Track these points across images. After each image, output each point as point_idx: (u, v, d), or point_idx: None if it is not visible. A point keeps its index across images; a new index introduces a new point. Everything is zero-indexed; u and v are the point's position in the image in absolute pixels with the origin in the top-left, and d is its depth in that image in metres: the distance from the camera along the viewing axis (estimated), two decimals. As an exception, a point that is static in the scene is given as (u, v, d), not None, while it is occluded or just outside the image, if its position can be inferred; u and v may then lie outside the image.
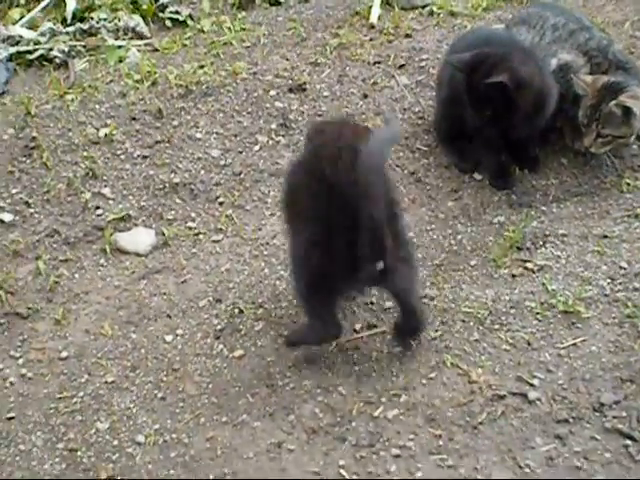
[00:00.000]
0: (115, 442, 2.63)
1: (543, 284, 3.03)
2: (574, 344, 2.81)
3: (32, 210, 3.44)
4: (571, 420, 2.57)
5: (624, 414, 2.58)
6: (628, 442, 2.50)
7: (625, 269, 3.07)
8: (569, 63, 3.53)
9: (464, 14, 4.49)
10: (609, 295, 2.97)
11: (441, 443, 2.53)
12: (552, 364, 2.75)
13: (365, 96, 3.89)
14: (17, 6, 4.66)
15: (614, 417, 2.57)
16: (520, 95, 3.29)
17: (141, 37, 4.50)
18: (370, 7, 4.54)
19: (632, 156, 3.58)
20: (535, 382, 2.69)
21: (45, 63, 4.29)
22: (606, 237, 3.22)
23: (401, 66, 4.09)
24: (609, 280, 3.03)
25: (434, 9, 4.52)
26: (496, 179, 3.50)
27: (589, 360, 2.75)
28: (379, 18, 4.48)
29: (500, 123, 3.37)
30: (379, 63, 4.12)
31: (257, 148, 3.69)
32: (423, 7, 4.57)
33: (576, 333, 2.84)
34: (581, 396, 2.64)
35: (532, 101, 3.34)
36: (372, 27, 4.43)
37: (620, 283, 3.02)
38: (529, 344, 2.82)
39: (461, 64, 3.36)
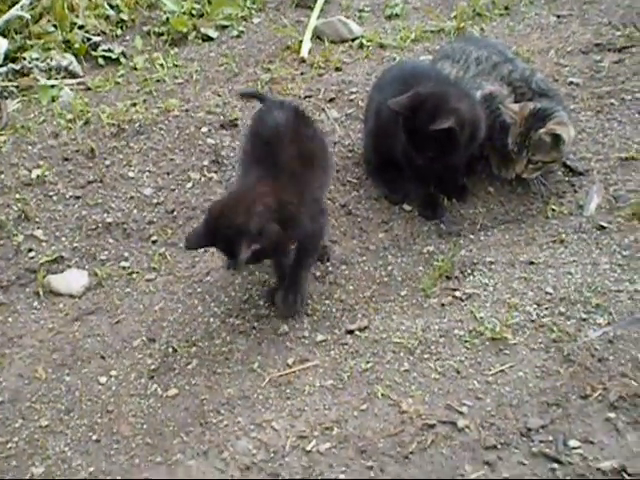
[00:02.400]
0: (50, 487, 2.64)
1: (471, 312, 3.08)
2: (502, 370, 2.86)
3: (-36, 255, 3.43)
4: (499, 446, 2.62)
5: (550, 438, 2.63)
6: (555, 465, 2.55)
7: (551, 294, 3.13)
8: (493, 93, 3.61)
9: (393, 46, 4.57)
10: (535, 320, 3.03)
11: (372, 475, 2.56)
12: (480, 391, 2.79)
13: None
14: (-52, 48, 4.65)
15: (541, 441, 2.62)
16: (462, 134, 3.36)
17: (74, 76, 4.53)
18: (301, 41, 4.60)
19: (557, 182, 3.66)
20: (464, 410, 2.73)
21: (-22, 105, 4.28)
22: (532, 263, 3.29)
23: (331, 100, 4.15)
24: (535, 306, 3.09)
25: (363, 42, 4.61)
26: (425, 209, 3.57)
27: (516, 386, 2.80)
28: (310, 52, 4.55)
29: (438, 160, 3.42)
30: (310, 97, 4.17)
31: (190, 185, 3.72)
32: (353, 40, 4.65)
33: (503, 359, 2.89)
34: (509, 422, 2.68)
35: (469, 135, 3.42)
36: (303, 61, 4.50)
37: (546, 308, 3.08)
38: (458, 372, 2.87)
39: (400, 107, 3.37)
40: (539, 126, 3.45)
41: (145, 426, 2.79)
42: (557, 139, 3.45)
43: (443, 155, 3.40)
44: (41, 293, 3.29)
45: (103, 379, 2.97)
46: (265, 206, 2.91)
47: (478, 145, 3.56)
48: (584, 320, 3.01)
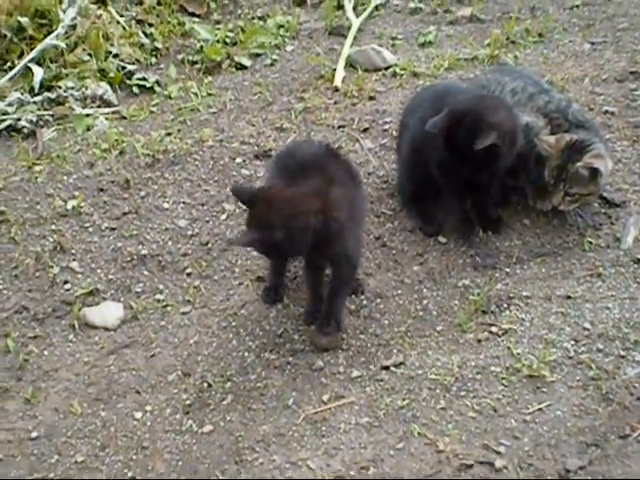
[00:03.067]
0: (86, 525, 2.64)
1: (508, 348, 3.06)
2: (539, 409, 2.83)
3: (0, 286, 3.45)
4: (538, 487, 2.60)
5: (590, 479, 2.60)
6: (595, 507, 2.53)
7: (588, 330, 3.11)
8: (530, 124, 3.59)
9: (427, 74, 4.56)
10: (573, 357, 3.00)
11: (410, 516, 2.55)
12: (518, 430, 2.77)
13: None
14: (-17, 77, 4.70)
15: (580, 483, 2.60)
16: (504, 146, 3.33)
17: (109, 105, 4.55)
18: (334, 70, 4.61)
19: (593, 214, 3.63)
20: (501, 449, 2.71)
21: (13, 133, 4.32)
22: (569, 298, 3.26)
23: (365, 129, 4.15)
24: (573, 342, 3.06)
25: (397, 70, 4.60)
26: (463, 231, 3.57)
27: (554, 425, 2.77)
28: (343, 81, 4.55)
29: (484, 172, 3.41)
30: (343, 127, 4.17)
31: (224, 217, 3.72)
32: (386, 68, 4.65)
33: (541, 397, 2.87)
34: (547, 462, 2.66)
35: (509, 142, 3.37)
36: (336, 90, 4.49)
37: (584, 344, 3.05)
38: (495, 410, 2.84)
39: (437, 128, 3.32)
40: (576, 159, 3.43)
41: (180, 463, 2.78)
42: (595, 172, 3.42)
43: (488, 168, 3.38)
44: (77, 326, 3.30)
45: (138, 414, 2.97)
46: (310, 204, 2.92)
47: (514, 175, 3.54)
48: (622, 357, 2.99)
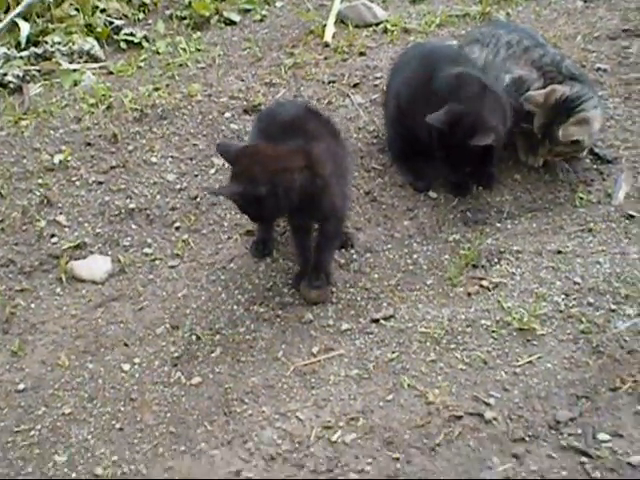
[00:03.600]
0: (74, 475, 2.62)
1: (498, 302, 3.05)
2: (529, 362, 2.82)
3: (-13, 240, 3.42)
4: (527, 439, 2.58)
5: (579, 431, 2.59)
6: (584, 459, 2.51)
7: (579, 284, 3.10)
8: (523, 77, 3.56)
9: (418, 31, 4.52)
10: (563, 311, 2.99)
11: (399, 466, 2.53)
12: (508, 382, 2.76)
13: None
14: (-30, 32, 4.64)
15: (570, 434, 2.58)
16: (498, 146, 3.38)
17: (96, 60, 4.50)
18: (324, 26, 4.56)
19: (584, 170, 3.62)
20: (491, 401, 2.70)
21: (0, 89, 4.26)
22: (560, 252, 3.25)
23: (355, 85, 4.11)
24: (563, 296, 3.05)
25: (388, 26, 4.55)
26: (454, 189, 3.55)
27: (544, 377, 2.76)
28: (333, 36, 4.50)
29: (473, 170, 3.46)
30: (333, 82, 4.13)
31: (213, 171, 3.68)
32: (377, 24, 4.60)
33: (531, 350, 2.86)
34: (537, 414, 2.65)
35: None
36: (326, 46, 4.45)
37: (574, 299, 3.04)
38: (485, 363, 2.83)
39: (439, 123, 3.29)
40: (562, 120, 3.42)
41: (169, 415, 2.77)
42: (576, 141, 3.45)
43: (479, 166, 3.40)
44: (64, 279, 3.27)
45: (126, 366, 2.94)
46: (295, 161, 2.93)
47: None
48: (613, 311, 2.98)
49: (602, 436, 2.57)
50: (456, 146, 3.30)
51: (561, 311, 2.99)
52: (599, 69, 4.13)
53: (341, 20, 4.64)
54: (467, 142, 3.23)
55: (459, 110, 3.30)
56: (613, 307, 2.98)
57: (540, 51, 3.60)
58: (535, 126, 3.49)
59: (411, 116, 3.46)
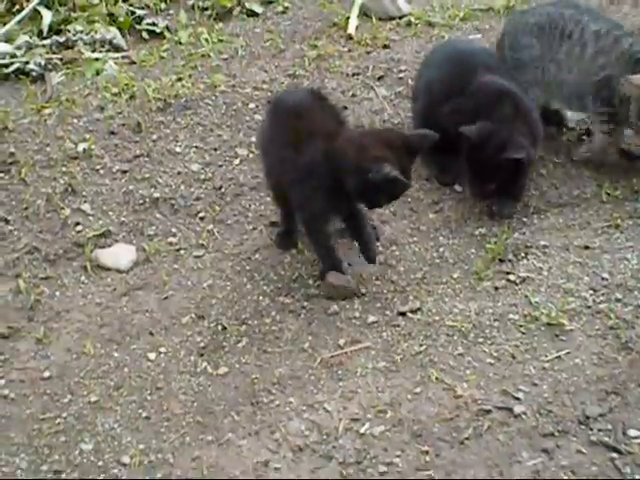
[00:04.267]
0: (100, 463, 2.60)
1: (526, 296, 3.03)
2: (558, 357, 2.81)
3: (11, 227, 3.41)
4: (557, 434, 2.57)
5: (609, 427, 2.57)
6: (614, 455, 2.50)
7: (607, 280, 3.08)
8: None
9: (441, 24, 4.51)
10: (592, 307, 2.97)
11: (428, 459, 2.52)
12: (537, 377, 2.74)
13: (345, 108, 3.88)
14: (-8, 20, 4.63)
15: (599, 430, 2.57)
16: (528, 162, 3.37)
17: (118, 49, 4.50)
18: (347, 18, 4.54)
19: (611, 166, 3.59)
20: (520, 396, 2.68)
21: (22, 77, 4.27)
22: (587, 248, 3.23)
23: (380, 77, 4.09)
24: (591, 291, 3.03)
25: (412, 19, 4.54)
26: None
27: (573, 373, 2.75)
28: (357, 29, 4.49)
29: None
30: (358, 75, 4.12)
31: (237, 162, 3.67)
32: (400, 18, 4.59)
33: (560, 345, 2.84)
34: (566, 409, 2.63)
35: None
36: (350, 38, 4.43)
37: (602, 294, 3.02)
38: (513, 357, 2.82)
39: (473, 136, 3.31)
40: None
41: (195, 404, 2.75)
42: None
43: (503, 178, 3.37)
44: (89, 267, 3.26)
45: (152, 355, 2.93)
46: None
47: None
48: (641, 307, 2.96)
49: (632, 432, 2.55)
50: (485, 161, 3.31)
51: (589, 307, 2.98)
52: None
53: (364, 13, 4.62)
54: (498, 156, 3.26)
55: (491, 128, 3.31)
56: (641, 303, 2.97)
57: (630, 39, 3.47)
58: (633, 108, 3.39)
59: (441, 112, 3.44)
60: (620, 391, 2.68)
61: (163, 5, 4.84)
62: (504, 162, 3.27)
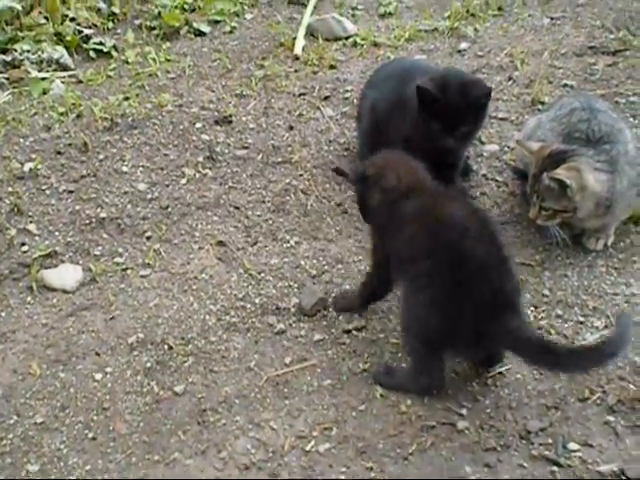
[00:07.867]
0: (46, 484, 2.60)
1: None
2: (500, 373, 2.85)
3: (-44, 248, 3.39)
4: (499, 448, 2.61)
5: (550, 441, 2.63)
6: (555, 468, 2.54)
7: (547, 296, 3.14)
8: None
9: (387, 45, 4.57)
10: (533, 323, 3.02)
11: (373, 475, 2.55)
12: (479, 393, 2.79)
13: (291, 128, 3.93)
14: (-63, 39, 4.61)
15: (540, 444, 2.62)
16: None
17: (65, 69, 4.51)
18: (294, 38, 4.59)
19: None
20: (463, 411, 2.72)
21: (-33, 96, 4.24)
22: (528, 265, 3.29)
23: (326, 97, 4.14)
24: (532, 308, 3.09)
25: (357, 40, 4.61)
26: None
27: (515, 388, 2.80)
28: (303, 49, 4.54)
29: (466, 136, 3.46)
30: (304, 95, 4.16)
31: (184, 181, 3.69)
32: (347, 38, 4.65)
33: (501, 362, 2.89)
34: (508, 424, 2.68)
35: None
36: (297, 58, 4.49)
37: (543, 310, 3.08)
38: (456, 374, 2.86)
39: (432, 87, 3.30)
40: (552, 169, 3.16)
41: (142, 424, 2.76)
42: (563, 186, 3.14)
43: (474, 127, 3.42)
44: (34, 288, 3.25)
45: (98, 376, 2.93)
46: None
47: None
48: (581, 323, 3.02)
49: (572, 446, 2.60)
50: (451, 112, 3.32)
51: (530, 323, 3.03)
52: (565, 85, 4.19)
53: (311, 33, 4.68)
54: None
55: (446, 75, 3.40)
56: (581, 319, 3.03)
57: None
58: (529, 178, 3.32)
59: (385, 131, 3.49)
60: (560, 405, 2.73)
61: (110, 24, 4.87)
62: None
